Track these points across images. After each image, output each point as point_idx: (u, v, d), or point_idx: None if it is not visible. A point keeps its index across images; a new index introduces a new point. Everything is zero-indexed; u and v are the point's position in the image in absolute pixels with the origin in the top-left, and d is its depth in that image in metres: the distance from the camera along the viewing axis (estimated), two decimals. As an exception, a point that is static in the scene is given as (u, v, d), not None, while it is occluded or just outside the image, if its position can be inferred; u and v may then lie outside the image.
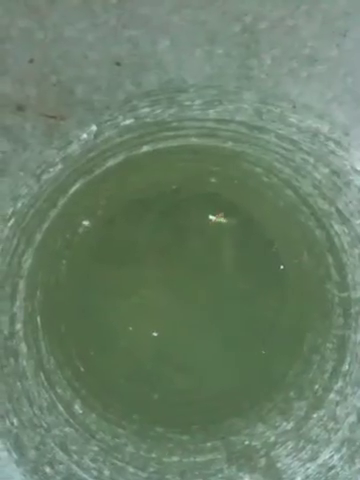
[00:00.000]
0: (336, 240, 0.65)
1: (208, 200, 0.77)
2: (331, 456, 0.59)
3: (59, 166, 0.50)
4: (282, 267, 0.77)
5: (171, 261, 0.77)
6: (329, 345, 0.68)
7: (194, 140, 0.59)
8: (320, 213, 0.65)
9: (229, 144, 0.61)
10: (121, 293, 0.77)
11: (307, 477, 0.59)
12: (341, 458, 0.58)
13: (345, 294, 0.66)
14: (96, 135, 0.48)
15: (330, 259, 0.68)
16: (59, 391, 0.66)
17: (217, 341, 0.78)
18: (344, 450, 0.58)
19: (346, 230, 0.62)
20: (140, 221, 0.77)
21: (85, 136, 0.47)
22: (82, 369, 0.75)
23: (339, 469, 0.57)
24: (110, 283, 0.76)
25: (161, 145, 0.61)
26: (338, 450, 0.59)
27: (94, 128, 0.47)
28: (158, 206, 0.77)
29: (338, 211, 0.60)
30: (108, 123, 0.47)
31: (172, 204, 0.77)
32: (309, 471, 0.59)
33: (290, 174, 0.64)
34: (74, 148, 0.48)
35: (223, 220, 0.76)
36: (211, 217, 0.77)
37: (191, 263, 0.77)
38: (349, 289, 0.66)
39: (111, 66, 0.44)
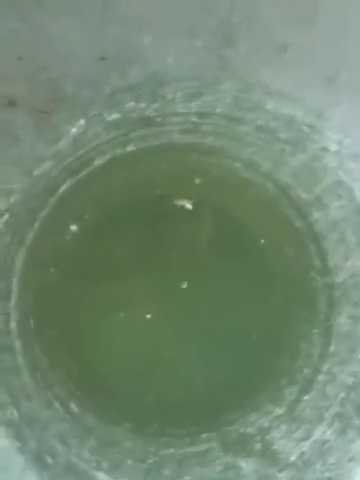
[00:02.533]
0: (316, 227, 0.67)
1: (193, 206, 0.77)
2: (324, 432, 0.61)
3: (50, 162, 0.51)
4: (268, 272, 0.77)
5: (157, 272, 0.78)
6: (316, 330, 0.69)
7: (176, 137, 0.61)
8: (299, 203, 0.67)
9: (209, 139, 0.63)
10: (109, 305, 0.77)
11: (302, 454, 0.60)
12: (334, 432, 0.59)
13: (328, 279, 0.68)
14: (85, 130, 0.50)
15: (312, 248, 0.70)
16: (55, 389, 0.67)
17: (206, 343, 0.78)
18: (336, 424, 0.59)
19: (324, 216, 0.64)
20: (124, 232, 0.77)
21: (74, 130, 0.49)
22: (76, 372, 0.75)
23: (332, 442, 0.59)
24: (97, 295, 0.77)
25: (145, 144, 0.63)
26: (330, 425, 0.60)
27: (82, 122, 0.49)
28: (142, 215, 0.77)
29: (317, 197, 0.62)
30: (96, 118, 0.49)
31: (157, 213, 0.77)
32: (304, 448, 0.60)
33: (269, 167, 0.66)
34: (64, 143, 0.50)
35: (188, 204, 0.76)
36: (188, 205, 0.77)
37: (176, 271, 0.78)
38: (332, 274, 0.68)
39: (97, 62, 0.46)
